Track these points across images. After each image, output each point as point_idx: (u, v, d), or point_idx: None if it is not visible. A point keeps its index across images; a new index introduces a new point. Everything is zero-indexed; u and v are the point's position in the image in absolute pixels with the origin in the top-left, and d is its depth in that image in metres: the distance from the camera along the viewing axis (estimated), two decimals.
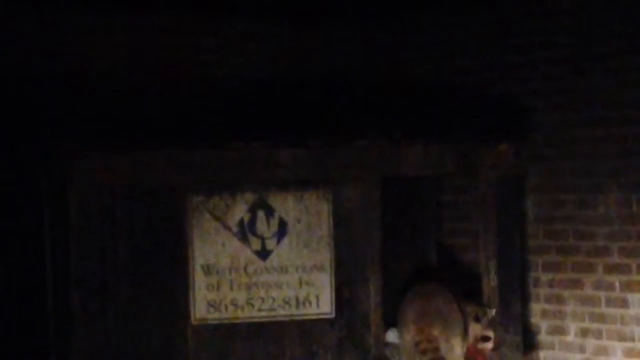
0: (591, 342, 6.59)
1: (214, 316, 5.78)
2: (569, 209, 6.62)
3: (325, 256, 5.96)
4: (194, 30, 6.39)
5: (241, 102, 6.37)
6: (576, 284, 6.65)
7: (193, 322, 5.74)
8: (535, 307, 6.74)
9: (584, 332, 6.61)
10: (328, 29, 6.80)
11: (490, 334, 6.16)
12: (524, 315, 6.60)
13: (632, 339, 6.37)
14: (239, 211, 5.84)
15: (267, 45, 6.61)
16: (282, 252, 5.91)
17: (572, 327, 6.66)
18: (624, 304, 6.45)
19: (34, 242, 5.86)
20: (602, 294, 6.53)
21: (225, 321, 5.80)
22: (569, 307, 6.67)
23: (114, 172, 5.61)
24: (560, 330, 6.70)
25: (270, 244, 5.90)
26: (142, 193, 5.68)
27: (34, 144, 5.88)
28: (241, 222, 5.84)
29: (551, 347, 6.74)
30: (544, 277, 6.75)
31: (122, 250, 5.63)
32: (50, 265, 5.78)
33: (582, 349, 6.63)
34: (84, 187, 5.57)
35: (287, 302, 5.89)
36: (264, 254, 5.89)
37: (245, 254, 5.86)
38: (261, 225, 5.88)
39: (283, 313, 5.89)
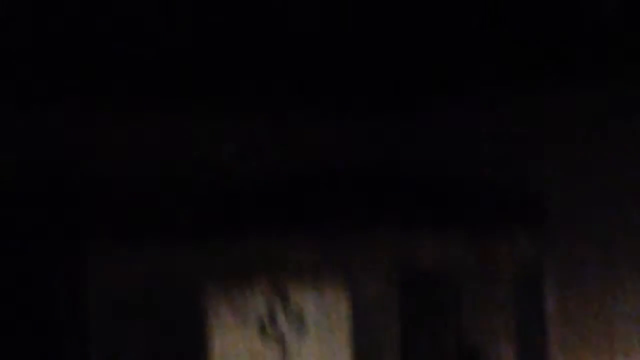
0: None
1: None
2: (593, 306, 6.56)
3: (345, 354, 5.93)
4: (211, 132, 6.45)
5: (258, 197, 6.39)
6: None
7: None
8: None
9: None
10: (343, 121, 6.85)
11: None
12: None
13: None
14: (257, 305, 5.83)
15: (281, 138, 6.65)
16: (303, 349, 5.89)
17: None
18: None
19: (52, 334, 5.84)
20: None
21: None
22: None
23: (132, 268, 5.63)
24: None
25: (290, 339, 5.87)
26: (159, 288, 5.68)
27: (51, 241, 5.90)
28: (260, 317, 5.83)
29: None
30: None
31: (140, 345, 5.61)
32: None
33: None
34: (101, 283, 5.57)
35: None
36: (283, 349, 5.85)
37: (265, 349, 5.82)
38: (280, 320, 5.86)
39: None
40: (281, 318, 5.85)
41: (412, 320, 6.32)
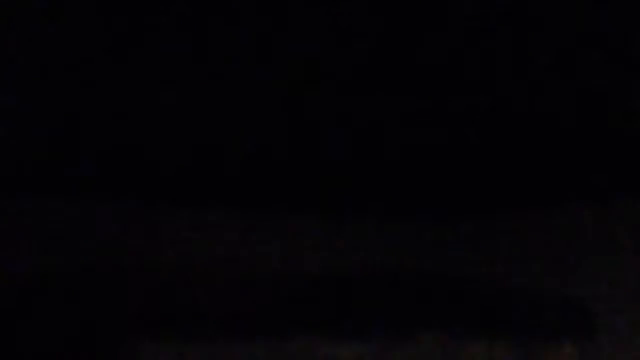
0: None
1: None
2: None
3: None
4: (249, 227, 6.42)
5: (299, 299, 6.36)
6: None
7: None
8: None
9: None
10: (382, 227, 6.82)
11: None
12: None
13: None
14: None
15: (317, 244, 6.62)
16: None
17: None
18: None
19: None
20: None
21: None
22: None
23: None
24: None
25: None
26: None
27: (98, 338, 5.90)
28: None
29: None
30: None
31: None
32: None
33: None
34: None
35: None
36: None
37: None
38: None
39: None
40: None
41: None
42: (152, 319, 6.15)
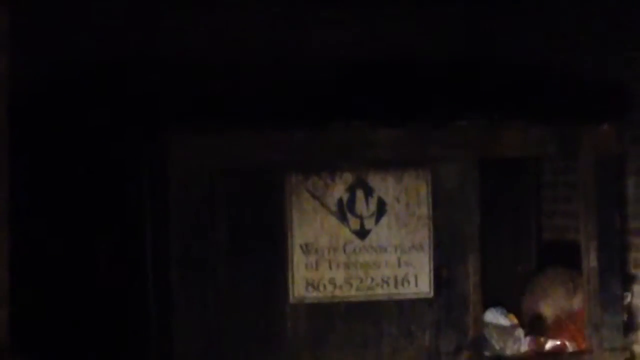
0: None
1: (312, 295, 5.80)
2: None
3: (424, 236, 5.95)
4: (293, 11, 6.36)
5: (340, 83, 6.35)
6: None
7: (291, 301, 5.76)
8: (637, 289, 6.67)
9: None
10: (426, 11, 6.74)
11: None
12: (624, 296, 6.52)
13: None
14: (338, 191, 5.84)
15: (365, 27, 6.56)
16: (381, 231, 5.91)
17: None
18: None
19: (135, 222, 5.91)
20: None
21: (324, 300, 5.81)
22: None
23: (214, 153, 5.64)
24: None
25: (369, 223, 5.89)
26: (241, 173, 5.69)
27: (133, 128, 5.92)
28: (340, 201, 5.85)
29: None
30: None
31: (221, 229, 5.66)
32: (150, 246, 5.83)
33: None
34: (183, 169, 5.60)
35: (385, 282, 5.90)
36: (362, 233, 5.88)
37: (344, 233, 5.86)
38: (360, 205, 5.88)
39: (381, 293, 5.90)
40: (361, 203, 5.85)
41: (492, 204, 6.31)
42: (184, 109, 6.16)
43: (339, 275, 5.84)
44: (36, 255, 6.09)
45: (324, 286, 5.81)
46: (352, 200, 5.86)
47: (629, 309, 6.59)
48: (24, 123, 5.52)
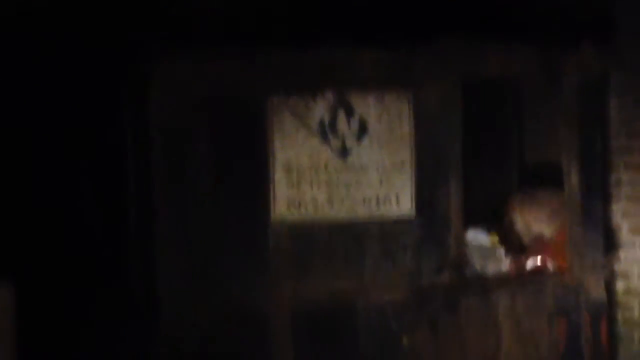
0: None
1: (293, 215, 5.80)
2: None
3: (405, 156, 5.94)
4: None
5: (321, 3, 6.25)
6: None
7: (273, 220, 5.76)
8: (617, 208, 6.69)
9: None
10: None
11: None
12: (605, 216, 6.55)
13: None
14: (320, 111, 5.83)
15: None
16: (362, 151, 5.90)
17: None
18: None
19: (118, 146, 5.89)
20: None
21: (305, 220, 5.82)
22: None
23: (196, 74, 5.61)
24: None
25: (351, 142, 5.88)
26: (223, 93, 5.66)
27: (114, 52, 5.86)
28: (322, 121, 5.83)
29: (632, 246, 6.71)
30: (626, 177, 6.68)
31: (203, 150, 5.65)
32: (133, 170, 5.82)
33: None
34: (165, 88, 5.57)
35: (367, 201, 5.90)
36: (344, 153, 5.87)
37: (326, 153, 5.85)
38: (341, 125, 5.86)
39: (363, 212, 5.90)
40: (342, 123, 5.83)
41: (474, 124, 6.30)
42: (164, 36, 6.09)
43: (321, 195, 5.84)
44: (18, 180, 6.07)
45: (306, 206, 5.82)
46: (333, 120, 5.84)
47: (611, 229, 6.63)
48: None
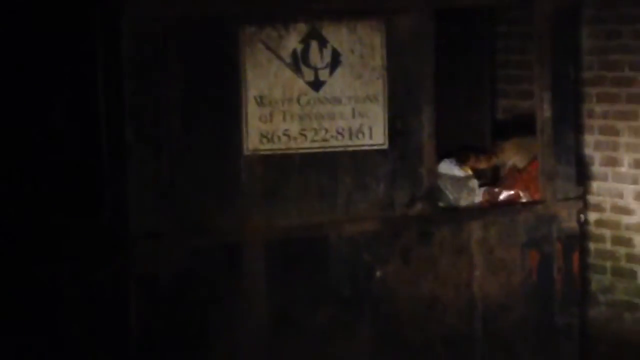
0: None
1: (266, 147, 5.79)
2: (625, 39, 6.51)
3: (378, 87, 5.93)
4: None
5: None
6: (631, 115, 6.61)
7: (246, 152, 5.75)
8: (589, 139, 6.72)
9: (638, 164, 6.60)
10: None
11: None
12: (578, 147, 6.57)
13: None
14: (292, 42, 5.79)
15: None
16: (335, 83, 5.88)
17: (626, 158, 6.65)
18: None
19: (89, 78, 5.84)
20: None
21: (278, 152, 5.81)
22: (623, 139, 6.65)
23: (167, 3, 5.55)
24: (613, 162, 6.70)
25: (323, 74, 5.86)
26: (194, 25, 5.62)
27: None
28: (294, 52, 5.80)
29: (604, 178, 6.76)
30: (599, 108, 6.71)
31: (175, 83, 5.61)
32: (104, 100, 5.77)
33: (635, 180, 6.64)
34: (136, 20, 5.51)
35: (340, 133, 5.89)
36: (316, 84, 5.85)
37: (298, 84, 5.83)
38: (314, 56, 5.84)
39: (336, 144, 5.89)
40: (315, 55, 5.81)
41: (447, 55, 6.29)
42: None
43: (294, 127, 5.83)
44: None
45: (279, 138, 5.80)
46: (306, 52, 5.81)
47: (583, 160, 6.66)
48: None
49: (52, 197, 6.01)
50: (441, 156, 6.28)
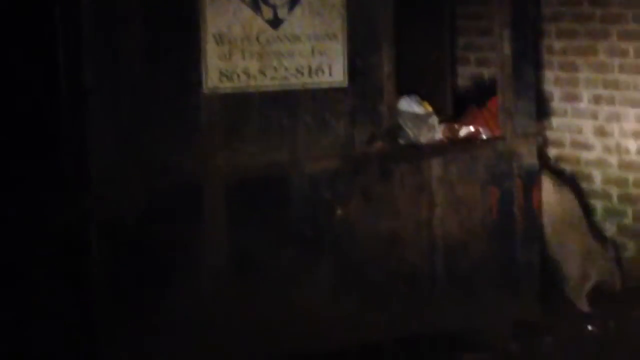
0: (604, 109, 6.62)
1: (226, 86, 5.75)
2: None
3: (337, 25, 5.90)
4: None
5: None
6: (590, 50, 6.62)
7: (205, 91, 5.71)
8: (549, 75, 6.74)
9: (597, 99, 6.63)
10: None
11: None
12: (537, 83, 6.58)
13: None
14: None
15: None
16: (294, 20, 5.84)
17: (585, 94, 6.67)
18: (638, 70, 6.43)
19: (48, 23, 5.76)
20: (615, 61, 6.50)
21: (238, 91, 5.78)
22: (583, 74, 6.67)
23: None
24: (573, 97, 6.73)
25: (282, 12, 5.82)
26: None
27: None
28: None
29: (564, 114, 6.79)
30: (558, 44, 6.71)
31: (134, 24, 5.55)
32: (62, 43, 5.70)
33: (594, 116, 6.67)
34: None
35: (299, 71, 5.87)
36: (275, 22, 5.81)
37: (257, 22, 5.78)
38: None
39: (296, 82, 5.87)
40: None
41: None
42: None
43: (253, 65, 5.79)
44: None
45: (238, 76, 5.77)
46: None
47: (543, 96, 6.68)
48: None
49: (11, 139, 5.96)
50: (401, 92, 6.25)
